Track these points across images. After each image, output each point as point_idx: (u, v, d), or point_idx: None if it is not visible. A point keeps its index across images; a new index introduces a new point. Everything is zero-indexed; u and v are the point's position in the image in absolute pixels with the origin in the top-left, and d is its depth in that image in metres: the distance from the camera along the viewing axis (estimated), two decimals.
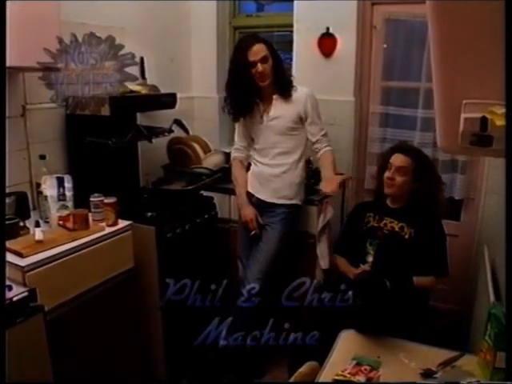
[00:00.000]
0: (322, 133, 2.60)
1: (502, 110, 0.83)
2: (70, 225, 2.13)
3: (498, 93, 0.84)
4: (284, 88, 2.55)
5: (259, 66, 2.42)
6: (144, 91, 2.76)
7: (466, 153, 0.90)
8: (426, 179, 2.38)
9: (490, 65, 0.88)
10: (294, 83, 2.58)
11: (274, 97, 2.57)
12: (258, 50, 2.42)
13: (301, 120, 2.57)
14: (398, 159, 2.41)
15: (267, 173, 2.64)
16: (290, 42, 3.32)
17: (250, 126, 2.67)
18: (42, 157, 2.31)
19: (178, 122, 2.88)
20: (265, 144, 2.64)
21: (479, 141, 0.87)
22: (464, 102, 0.89)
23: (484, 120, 0.85)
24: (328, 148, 2.61)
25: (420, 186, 2.38)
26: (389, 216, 2.43)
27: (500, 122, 0.82)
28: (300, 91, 2.55)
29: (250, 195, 2.71)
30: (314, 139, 2.61)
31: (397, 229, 2.38)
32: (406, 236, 2.35)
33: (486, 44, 0.88)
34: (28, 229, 2.10)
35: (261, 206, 2.67)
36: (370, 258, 2.37)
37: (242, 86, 2.50)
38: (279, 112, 2.56)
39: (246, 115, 2.64)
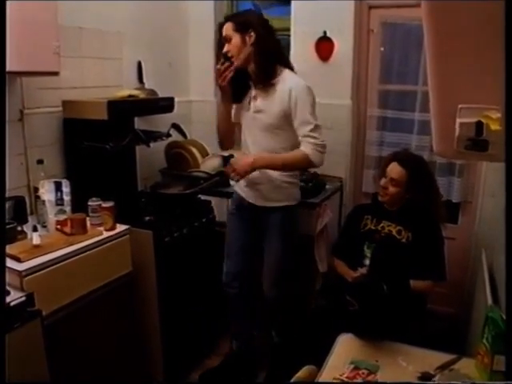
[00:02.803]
0: (308, 129, 2.23)
1: (497, 115, 0.83)
2: (67, 229, 2.13)
3: (494, 97, 0.85)
4: (259, 75, 2.29)
5: (225, 46, 2.29)
6: (142, 95, 2.76)
7: (462, 157, 0.90)
8: (420, 191, 2.38)
9: (485, 69, 0.88)
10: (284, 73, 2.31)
11: (259, 85, 2.33)
12: (224, 30, 2.30)
13: (287, 117, 2.28)
14: (393, 170, 2.41)
15: (253, 175, 2.39)
16: (288, 46, 3.32)
17: (241, 111, 2.47)
18: (40, 161, 2.31)
19: (175, 126, 2.89)
20: (250, 138, 2.44)
21: (475, 145, 0.87)
22: (459, 106, 0.89)
23: (479, 125, 0.86)
24: (305, 147, 2.24)
25: (413, 195, 2.39)
26: (386, 219, 2.44)
27: (495, 126, 0.83)
28: (287, 83, 2.26)
29: (242, 198, 2.57)
30: (299, 138, 2.27)
31: (394, 232, 2.38)
32: (404, 240, 2.35)
33: (482, 48, 0.88)
34: (26, 233, 2.11)
35: (254, 211, 2.51)
36: (368, 261, 2.38)
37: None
38: (263, 105, 2.33)
39: (236, 98, 2.45)
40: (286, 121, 2.29)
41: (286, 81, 2.27)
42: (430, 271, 2.30)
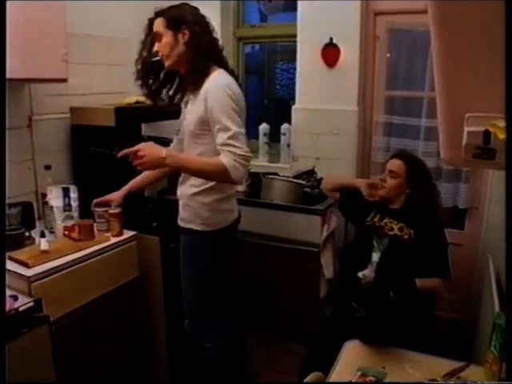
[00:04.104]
0: (226, 136, 1.87)
1: (504, 124, 0.84)
2: (75, 235, 2.15)
3: (501, 106, 0.85)
4: (190, 78, 2.02)
5: (155, 45, 2.04)
6: (149, 102, 2.77)
7: (469, 165, 0.91)
8: (419, 185, 2.42)
9: (493, 78, 0.88)
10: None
11: (190, 88, 2.06)
12: (154, 26, 2.04)
13: (207, 124, 1.97)
14: (392, 163, 2.48)
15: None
16: (294, 53, 3.34)
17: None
18: (48, 167, 2.32)
19: None
20: (184, 146, 2.18)
21: (482, 154, 0.88)
22: (467, 115, 0.89)
23: (487, 133, 0.86)
24: (223, 156, 1.87)
25: (413, 191, 2.42)
26: (388, 216, 2.45)
27: (503, 135, 0.83)
28: (205, 86, 1.96)
29: None
30: (217, 147, 1.92)
31: (396, 229, 2.39)
32: (406, 236, 2.35)
33: (490, 55, 0.88)
34: (33, 239, 2.12)
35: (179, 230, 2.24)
36: (375, 256, 2.37)
37: (146, 67, 2.13)
38: (188, 110, 2.08)
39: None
40: (204, 128, 1.99)
41: (207, 84, 1.96)
42: (433, 268, 2.29)
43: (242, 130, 1.92)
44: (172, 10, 2.02)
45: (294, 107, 3.40)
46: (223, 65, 2.06)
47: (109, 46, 2.86)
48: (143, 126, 2.90)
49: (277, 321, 3.00)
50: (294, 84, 3.41)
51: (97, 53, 2.77)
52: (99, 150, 2.44)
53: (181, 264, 2.20)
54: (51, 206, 2.22)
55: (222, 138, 1.88)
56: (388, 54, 3.23)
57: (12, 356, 1.52)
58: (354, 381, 1.51)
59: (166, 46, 2.00)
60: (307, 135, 3.34)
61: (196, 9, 2.06)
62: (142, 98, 2.76)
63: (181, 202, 2.18)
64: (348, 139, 3.23)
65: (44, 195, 2.28)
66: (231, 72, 2.07)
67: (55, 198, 2.22)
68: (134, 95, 2.82)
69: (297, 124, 3.40)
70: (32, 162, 2.43)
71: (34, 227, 2.27)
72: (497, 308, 1.91)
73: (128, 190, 2.38)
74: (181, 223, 2.19)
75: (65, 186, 2.27)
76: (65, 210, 2.23)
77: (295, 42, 3.32)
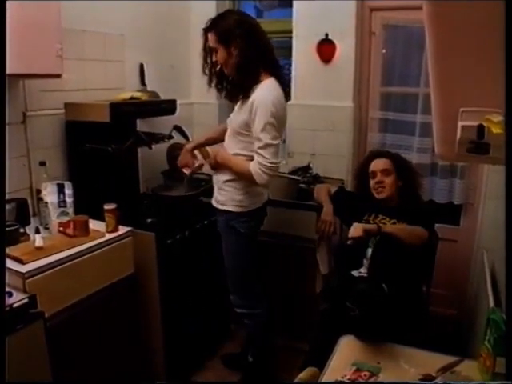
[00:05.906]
0: (257, 146, 2.19)
1: (498, 118, 0.84)
2: (70, 231, 2.14)
3: (495, 101, 0.85)
4: (237, 87, 2.31)
5: (213, 55, 2.29)
6: (144, 98, 2.77)
7: (464, 160, 0.91)
8: (408, 175, 2.55)
9: (487, 72, 0.88)
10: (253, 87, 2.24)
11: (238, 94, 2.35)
12: (209, 40, 2.27)
13: (249, 127, 2.24)
14: (379, 163, 2.54)
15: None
16: (290, 49, 3.33)
17: None
18: (42, 163, 2.31)
19: (177, 128, 2.89)
20: (226, 139, 2.46)
21: (476, 148, 0.88)
22: (461, 109, 0.89)
23: (481, 128, 0.86)
24: (253, 162, 2.21)
25: (403, 183, 2.52)
26: (383, 214, 2.48)
27: (497, 130, 0.83)
28: (253, 95, 2.21)
29: None
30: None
31: (389, 224, 2.41)
32: None
33: (484, 51, 0.88)
34: (28, 235, 2.11)
35: (215, 212, 2.51)
36: (370, 252, 2.37)
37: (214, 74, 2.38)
38: (237, 111, 2.36)
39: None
40: (248, 130, 2.25)
41: (257, 92, 2.21)
42: (419, 222, 2.35)
43: (275, 142, 2.20)
44: (220, 23, 2.22)
45: (289, 103, 3.38)
46: (274, 71, 2.29)
47: (104, 41, 2.84)
48: (138, 121, 2.89)
49: (272, 315, 3.00)
50: (289, 80, 3.40)
51: (92, 48, 2.76)
52: (94, 146, 2.44)
53: (223, 242, 2.48)
54: (46, 203, 2.21)
55: (255, 145, 2.19)
56: (384, 50, 3.23)
57: (7, 352, 1.51)
58: (348, 376, 1.51)
59: (222, 58, 2.24)
60: (303, 131, 3.34)
61: (242, 15, 2.31)
62: (138, 94, 2.76)
63: (216, 187, 2.44)
64: (343, 135, 3.23)
65: (39, 191, 2.27)
66: (280, 78, 2.32)
67: (50, 194, 2.21)
68: (129, 91, 2.82)
69: (292, 120, 3.38)
70: (26, 158, 2.42)
71: (28, 223, 2.26)
72: (491, 303, 1.91)
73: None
74: (216, 205, 2.44)
75: (60, 182, 2.26)
76: (60, 207, 2.22)
77: (291, 37, 3.32)
